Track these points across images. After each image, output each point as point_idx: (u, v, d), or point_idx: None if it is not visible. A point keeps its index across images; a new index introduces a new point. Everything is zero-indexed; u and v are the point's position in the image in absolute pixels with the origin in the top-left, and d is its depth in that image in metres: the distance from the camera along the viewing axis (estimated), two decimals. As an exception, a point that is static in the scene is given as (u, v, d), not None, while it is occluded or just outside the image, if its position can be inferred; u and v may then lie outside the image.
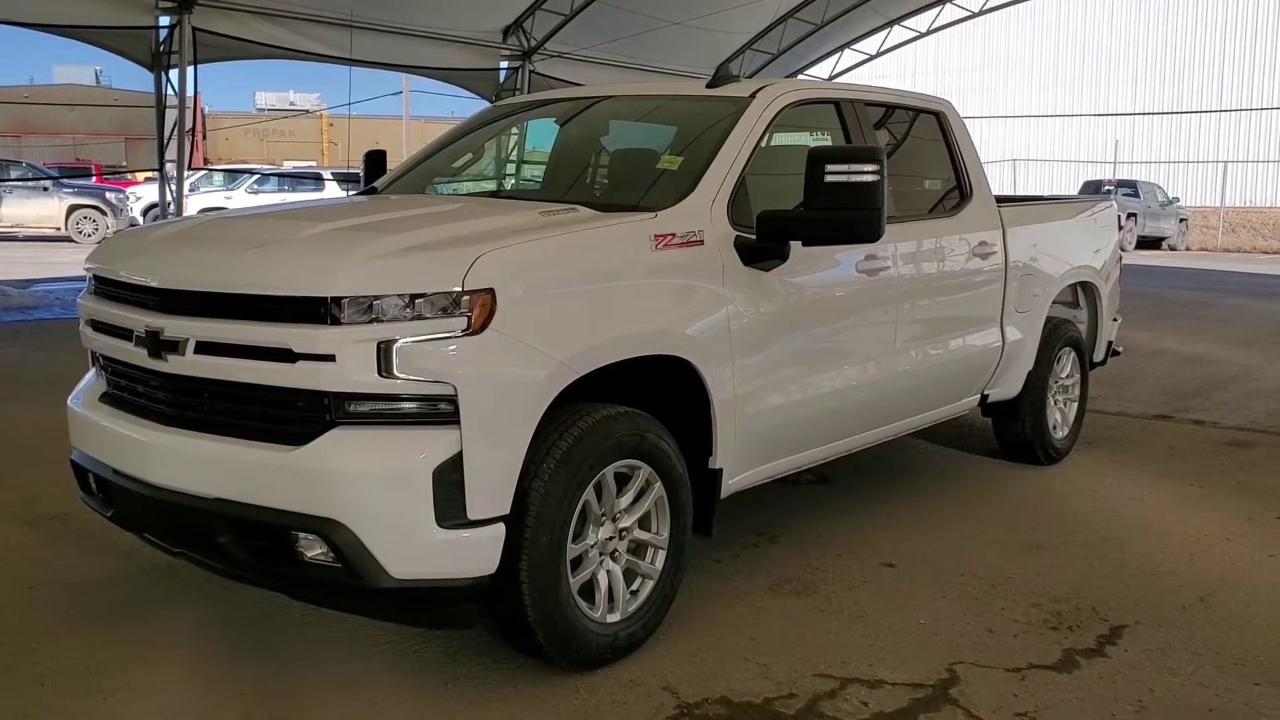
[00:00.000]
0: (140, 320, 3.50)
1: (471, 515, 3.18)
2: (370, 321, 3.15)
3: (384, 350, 3.12)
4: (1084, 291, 6.74)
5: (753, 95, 4.47)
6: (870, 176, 3.92)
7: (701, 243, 3.90)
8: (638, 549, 3.80)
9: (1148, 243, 30.71)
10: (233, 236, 3.69)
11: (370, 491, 3.14)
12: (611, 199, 4.40)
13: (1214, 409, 8.13)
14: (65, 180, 25.76)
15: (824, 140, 4.96)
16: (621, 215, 3.88)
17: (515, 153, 5.36)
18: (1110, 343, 7.04)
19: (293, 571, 3.29)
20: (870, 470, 6.18)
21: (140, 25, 12.99)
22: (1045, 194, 7.49)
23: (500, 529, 3.24)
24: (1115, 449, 6.87)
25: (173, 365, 3.42)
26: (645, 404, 3.85)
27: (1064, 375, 6.47)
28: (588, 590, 3.61)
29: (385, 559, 3.15)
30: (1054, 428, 6.39)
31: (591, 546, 3.60)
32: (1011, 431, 6.28)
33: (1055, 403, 6.42)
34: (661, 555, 3.82)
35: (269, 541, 3.28)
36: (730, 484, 4.14)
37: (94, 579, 4.40)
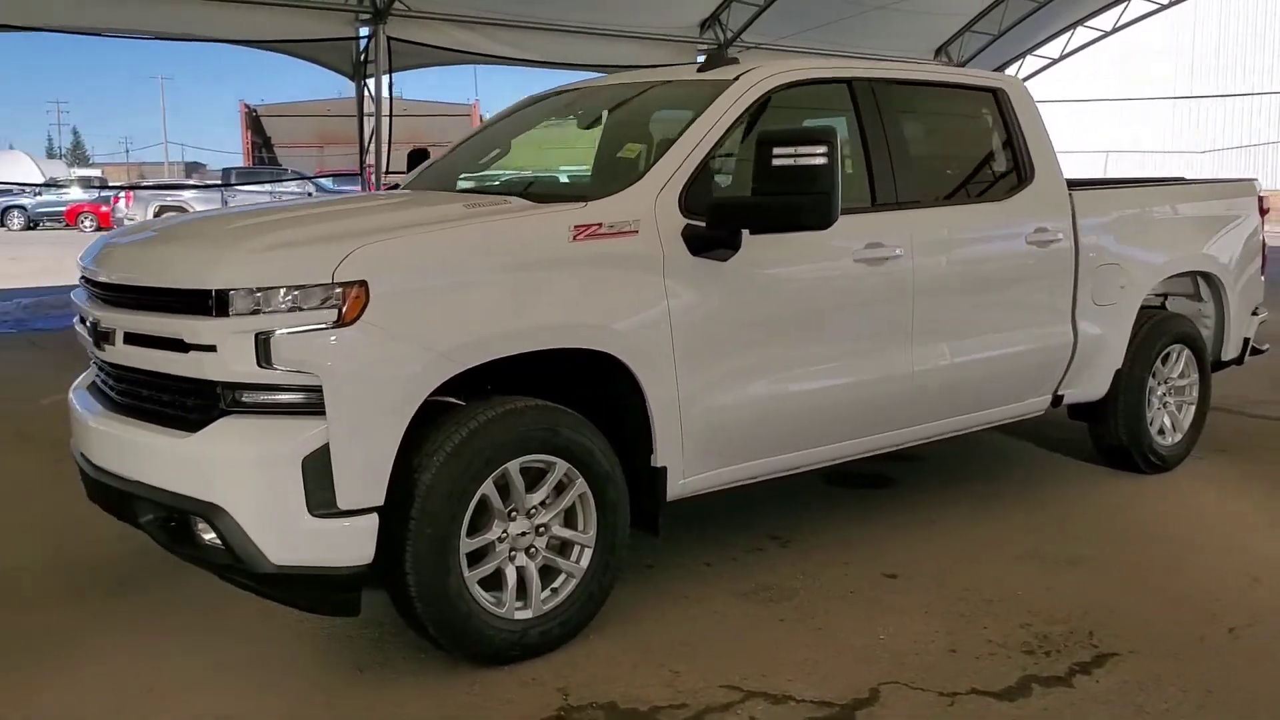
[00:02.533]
0: (90, 313, 3.74)
1: (342, 505, 3.21)
2: (251, 313, 3.23)
3: (262, 341, 3.20)
4: (1208, 284, 6.07)
5: (736, 78, 4.28)
6: (819, 160, 3.69)
7: (635, 233, 3.77)
8: (564, 546, 3.72)
9: None
10: (170, 234, 3.86)
11: (246, 478, 3.22)
12: (563, 190, 4.32)
13: (1404, 417, 7.15)
14: (324, 183, 27.67)
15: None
16: (553, 206, 3.81)
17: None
18: (1248, 340, 6.31)
19: (197, 553, 3.42)
20: (945, 472, 5.82)
21: (342, 37, 13.79)
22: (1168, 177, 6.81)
23: (373, 520, 3.26)
24: (1251, 458, 6.15)
25: (109, 354, 3.63)
26: (583, 399, 3.78)
27: (1174, 375, 5.85)
28: (499, 584, 3.58)
29: (264, 545, 3.22)
30: (1160, 432, 5.80)
31: (500, 541, 3.55)
32: (1104, 436, 5.75)
33: (1162, 405, 5.83)
34: (588, 554, 3.73)
35: (176, 524, 3.42)
36: (683, 484, 3.98)
37: (110, 555, 4.65)
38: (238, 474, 3.23)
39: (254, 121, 64.05)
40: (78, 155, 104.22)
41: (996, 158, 5.11)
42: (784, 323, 4.16)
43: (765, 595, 4.20)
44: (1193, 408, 5.97)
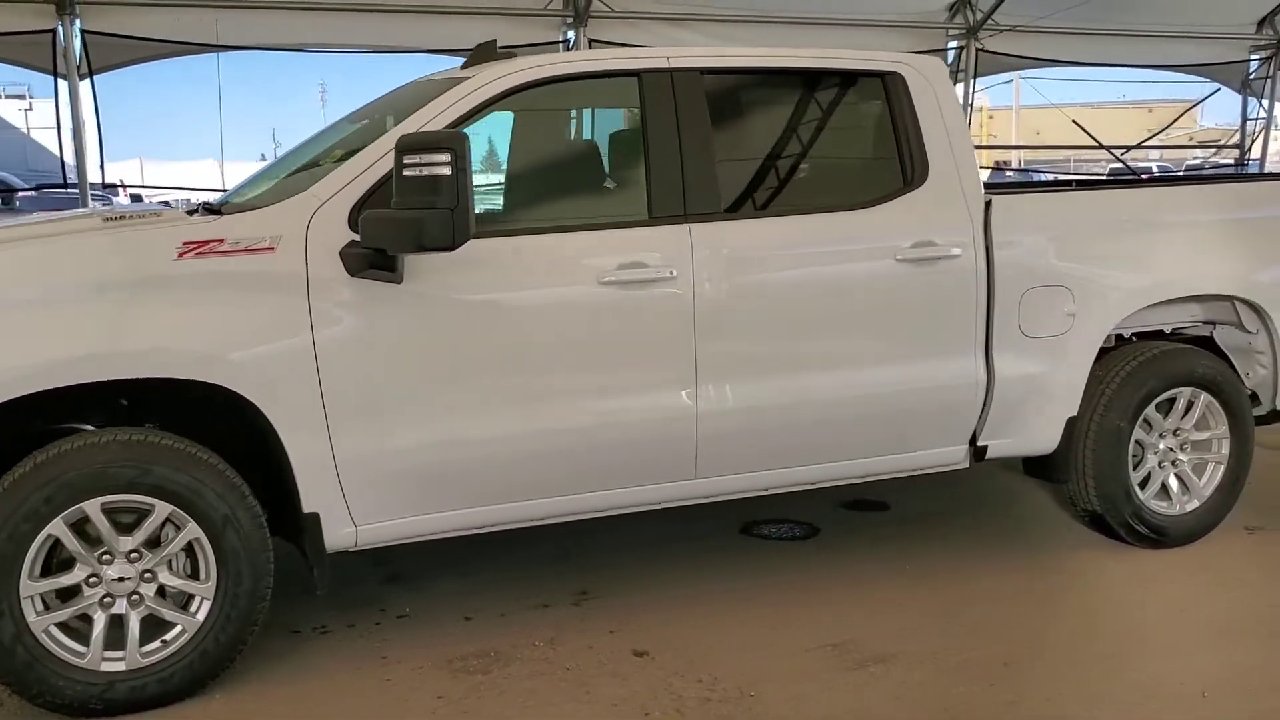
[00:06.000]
0: None
1: None
2: None
3: None
4: (1254, 312, 4.74)
5: (469, 78, 3.77)
6: (442, 169, 3.17)
7: (271, 250, 3.39)
8: (190, 598, 3.42)
9: None
10: None
11: None
12: (259, 200, 3.92)
13: None
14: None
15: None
16: (181, 221, 3.53)
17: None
18: (1327, 384, 4.89)
19: None
20: (894, 525, 4.98)
21: (546, 42, 13.85)
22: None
23: (-105, 554, 3.11)
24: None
25: None
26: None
27: (1185, 426, 4.62)
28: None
29: None
30: (1163, 496, 4.62)
31: (89, 585, 3.30)
32: (1076, 499, 4.64)
33: (1168, 462, 4.63)
34: (206, 605, 3.40)
35: None
36: (353, 533, 3.55)
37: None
38: None
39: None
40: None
41: (868, 157, 4.22)
42: (493, 354, 3.60)
43: (473, 665, 3.67)
44: (1221, 468, 4.69)
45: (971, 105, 16.34)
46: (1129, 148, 17.92)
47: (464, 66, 4.02)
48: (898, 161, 4.15)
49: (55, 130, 12.80)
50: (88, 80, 12.63)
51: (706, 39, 14.30)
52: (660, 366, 3.79)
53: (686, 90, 3.88)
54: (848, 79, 4.25)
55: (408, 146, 3.23)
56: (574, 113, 4.23)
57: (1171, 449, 4.64)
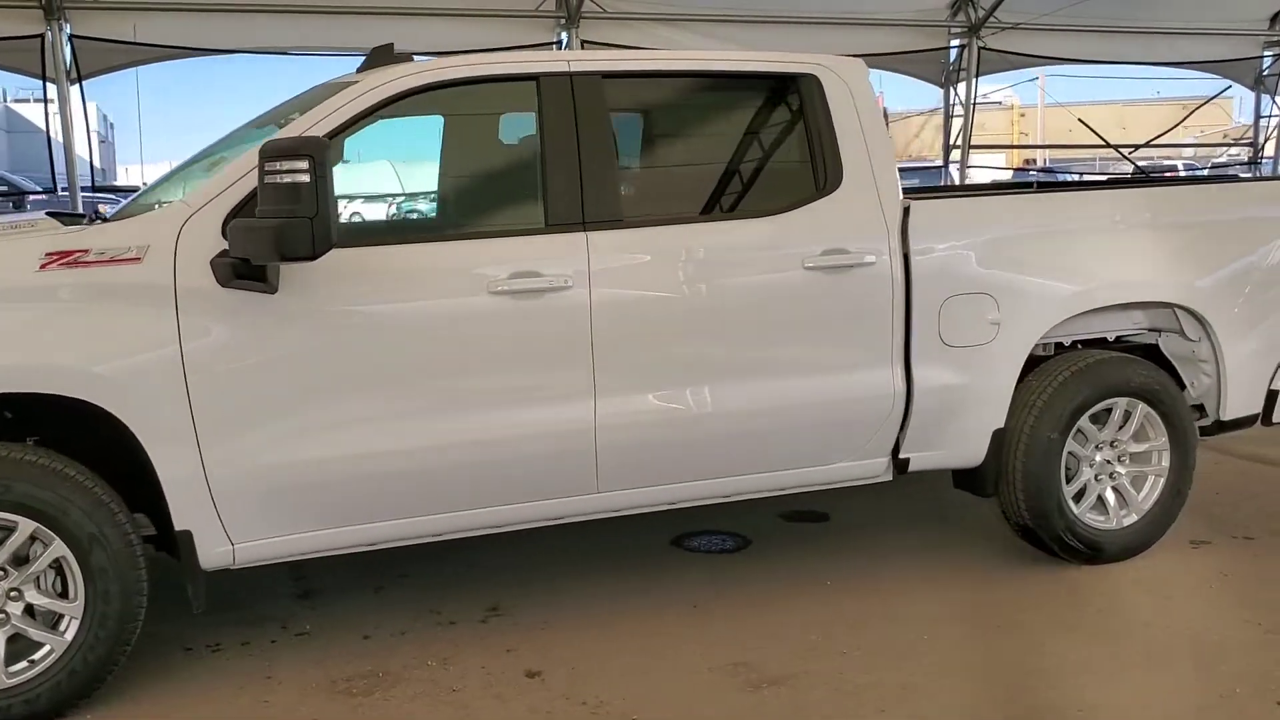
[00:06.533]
0: None
1: None
2: None
3: None
4: (1195, 319, 4.57)
5: (355, 82, 3.67)
6: (302, 176, 3.08)
7: (138, 260, 3.30)
8: (60, 617, 3.34)
9: None
10: None
11: None
12: (140, 209, 3.85)
13: None
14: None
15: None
16: (50, 231, 3.44)
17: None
18: (1276, 393, 4.72)
19: None
20: (835, 536, 4.87)
21: (540, 43, 13.78)
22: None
23: None
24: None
25: None
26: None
27: (1122, 438, 4.47)
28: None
29: None
30: (1099, 510, 4.46)
31: (-58, 601, 3.24)
32: (1008, 512, 4.49)
33: (1106, 475, 4.47)
34: (75, 625, 3.32)
35: None
36: (229, 551, 3.46)
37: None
38: None
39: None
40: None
41: (781, 161, 4.09)
42: (377, 367, 3.51)
43: (354, 686, 3.57)
44: (1161, 481, 4.53)
45: (974, 104, 16.15)
46: (1135, 146, 17.61)
47: (360, 70, 3.92)
48: (810, 166, 4.02)
49: (45, 134, 12.84)
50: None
51: (701, 39, 14.16)
52: (556, 378, 3.68)
53: (587, 95, 3.77)
54: (760, 81, 4.13)
55: (269, 153, 3.14)
56: (471, 119, 4.12)
57: (1108, 461, 4.48)
